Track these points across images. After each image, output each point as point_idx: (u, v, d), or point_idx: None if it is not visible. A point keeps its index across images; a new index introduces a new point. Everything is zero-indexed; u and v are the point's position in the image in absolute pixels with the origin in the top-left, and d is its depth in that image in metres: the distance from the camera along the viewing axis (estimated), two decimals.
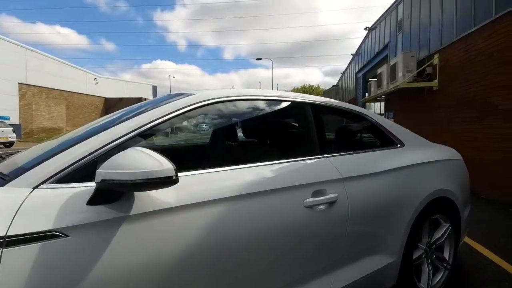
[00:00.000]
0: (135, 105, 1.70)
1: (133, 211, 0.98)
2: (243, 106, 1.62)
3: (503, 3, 5.05)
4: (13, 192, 0.92)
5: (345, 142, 2.04)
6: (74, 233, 0.90)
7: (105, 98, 28.36)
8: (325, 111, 1.91)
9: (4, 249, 0.81)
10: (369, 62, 14.23)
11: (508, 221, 4.01)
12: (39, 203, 0.90)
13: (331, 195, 1.43)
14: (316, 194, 1.40)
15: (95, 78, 27.70)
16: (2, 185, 0.95)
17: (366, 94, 12.56)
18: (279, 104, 1.72)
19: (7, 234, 0.82)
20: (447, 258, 2.03)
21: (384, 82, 9.21)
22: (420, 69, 7.69)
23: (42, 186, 0.94)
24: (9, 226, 0.83)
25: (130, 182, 0.88)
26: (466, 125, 5.96)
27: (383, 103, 12.33)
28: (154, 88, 37.44)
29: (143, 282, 0.99)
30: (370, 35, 14.17)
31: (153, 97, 34.63)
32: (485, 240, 3.02)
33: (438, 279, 1.98)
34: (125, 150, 0.95)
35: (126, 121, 1.19)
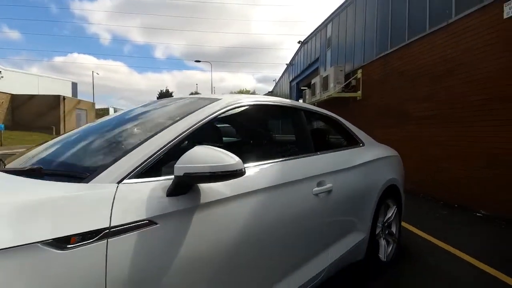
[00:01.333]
0: (151, 103, 1.90)
1: (202, 201, 1.13)
2: (261, 109, 1.85)
3: (413, 31, 6.29)
4: (103, 187, 0.98)
5: (326, 141, 2.43)
6: (162, 221, 1.01)
7: (12, 94, 24.20)
8: (315, 116, 2.27)
9: (109, 239, 0.89)
10: (302, 72, 15.56)
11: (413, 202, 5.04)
12: (127, 196, 0.99)
13: (328, 185, 1.76)
14: (319, 184, 1.71)
15: (0, 71, 23.46)
16: (87, 182, 1.00)
17: (301, 100, 13.67)
18: (286, 110, 2.01)
19: (111, 225, 0.90)
20: (395, 233, 2.56)
21: (318, 91, 10.27)
22: (347, 81, 8.86)
23: (124, 181, 1.02)
24: (111, 218, 0.91)
25: (209, 174, 1.02)
26: (385, 129, 7.13)
27: None
28: (74, 85, 33.33)
29: (220, 256, 1.17)
30: (302, 48, 15.52)
31: (73, 95, 30.89)
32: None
33: (389, 250, 2.48)
34: (195, 147, 1.07)
35: (177, 123, 1.31)
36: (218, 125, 1.92)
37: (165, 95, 79.04)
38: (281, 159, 1.64)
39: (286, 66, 19.51)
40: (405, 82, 6.47)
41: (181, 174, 1.01)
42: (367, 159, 2.28)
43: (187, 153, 1.05)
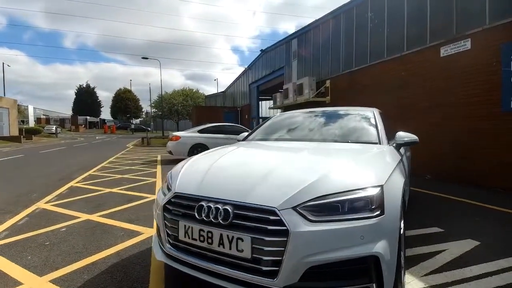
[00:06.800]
0: (337, 110, 3.57)
1: (401, 153, 2.84)
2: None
3: (374, 56, 8.87)
4: (386, 146, 2.58)
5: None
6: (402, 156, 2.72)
7: None
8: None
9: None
10: (264, 77, 17.57)
11: None
12: (390, 149, 2.55)
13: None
14: None
15: None
16: (380, 144, 2.61)
17: (263, 102, 15.54)
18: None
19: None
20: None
21: (291, 95, 12.40)
22: (319, 89, 11.22)
23: (384, 144, 2.62)
24: (400, 155, 2.60)
25: (413, 142, 2.72)
26: None
27: (280, 109, 15.68)
28: None
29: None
30: (264, 56, 17.54)
31: None
32: None
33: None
34: (399, 132, 2.80)
35: (371, 121, 3.01)
36: None
37: (86, 90, 71.18)
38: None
39: (244, 69, 21.35)
40: (366, 92, 9.04)
41: (402, 142, 2.74)
42: None
43: (398, 133, 2.80)
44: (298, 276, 1.48)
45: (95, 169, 8.30)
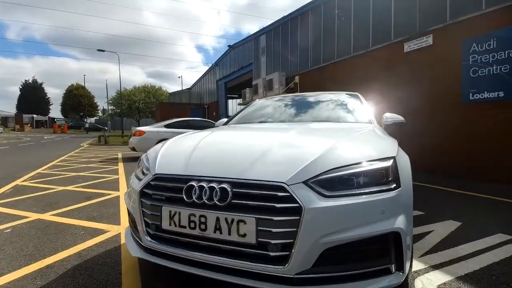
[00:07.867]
0: (323, 93, 3.36)
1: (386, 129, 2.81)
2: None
3: (341, 53, 9.04)
4: (370, 125, 2.40)
5: None
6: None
7: None
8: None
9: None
10: (233, 73, 17.23)
11: None
12: (377, 127, 2.45)
13: None
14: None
15: None
16: (364, 123, 2.50)
17: (229, 100, 15.27)
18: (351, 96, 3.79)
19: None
20: None
21: (260, 90, 12.26)
22: (289, 85, 11.22)
23: (369, 123, 2.53)
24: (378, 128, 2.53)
25: (399, 122, 2.68)
26: None
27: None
28: None
29: None
30: (231, 52, 17.21)
31: None
32: None
33: None
34: (386, 113, 2.74)
35: (356, 103, 2.93)
36: None
37: (33, 86, 64.43)
38: None
39: (211, 65, 20.80)
40: (335, 87, 9.18)
41: (390, 123, 2.69)
42: None
43: (385, 114, 2.75)
44: (312, 260, 1.27)
45: (44, 167, 7.40)
